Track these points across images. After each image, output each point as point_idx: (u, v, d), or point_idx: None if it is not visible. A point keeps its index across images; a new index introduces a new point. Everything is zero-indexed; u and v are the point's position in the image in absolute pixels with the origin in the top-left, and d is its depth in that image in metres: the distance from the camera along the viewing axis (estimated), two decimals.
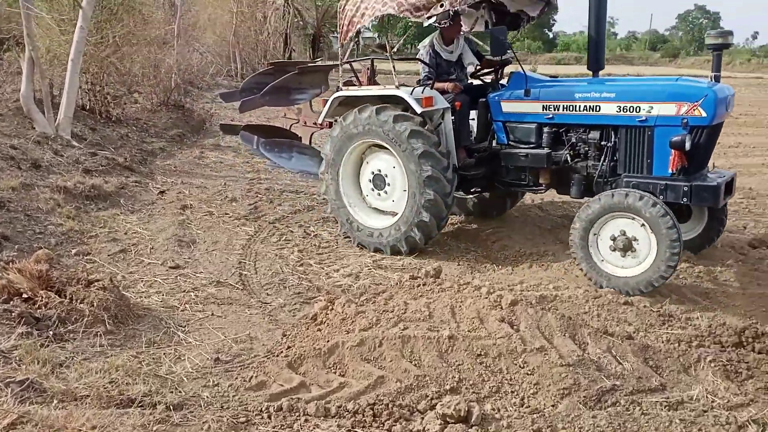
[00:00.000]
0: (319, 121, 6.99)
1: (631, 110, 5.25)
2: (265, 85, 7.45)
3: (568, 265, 5.79)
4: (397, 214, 6.16)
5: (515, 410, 3.52)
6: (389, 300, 4.88)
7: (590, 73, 6.09)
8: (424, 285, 5.21)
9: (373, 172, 6.28)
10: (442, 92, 6.27)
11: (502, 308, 4.42)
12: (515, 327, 4.24)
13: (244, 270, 5.78)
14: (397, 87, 5.99)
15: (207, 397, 3.61)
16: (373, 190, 6.33)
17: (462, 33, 6.71)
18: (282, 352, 4.17)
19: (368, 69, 6.76)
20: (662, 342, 4.22)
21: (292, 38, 24.49)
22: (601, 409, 3.51)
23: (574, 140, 5.70)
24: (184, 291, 5.20)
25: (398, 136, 5.80)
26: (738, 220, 7.26)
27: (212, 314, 4.82)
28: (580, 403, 3.56)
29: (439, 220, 6.00)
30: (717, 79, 5.13)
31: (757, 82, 30.56)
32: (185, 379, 3.83)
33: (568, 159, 5.70)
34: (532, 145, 5.89)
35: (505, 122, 6.06)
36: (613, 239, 4.90)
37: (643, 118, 5.20)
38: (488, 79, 6.73)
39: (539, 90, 5.80)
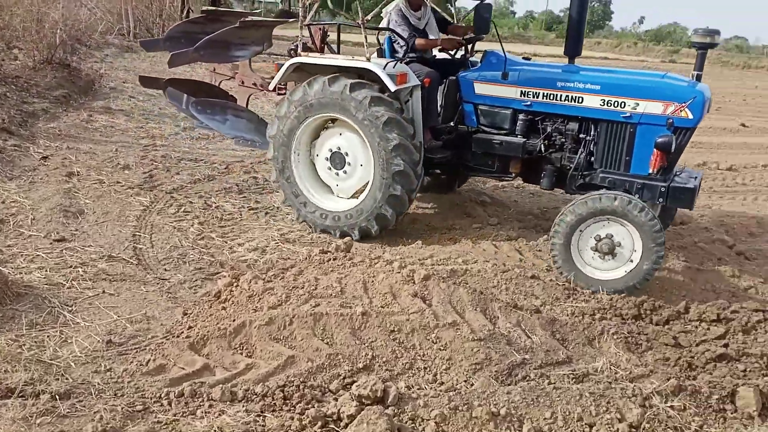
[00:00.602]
0: (271, 87, 6.26)
1: (616, 105, 5.07)
2: (193, 35, 6.67)
3: (476, 239, 5.82)
4: (358, 194, 5.79)
5: (430, 388, 3.47)
6: (299, 275, 4.70)
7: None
8: (334, 260, 5.07)
9: (331, 150, 5.77)
10: (422, 61, 5.98)
11: (414, 283, 4.35)
12: (428, 302, 4.19)
13: (139, 243, 5.37)
14: (368, 59, 5.44)
15: (98, 383, 3.30)
16: (331, 169, 5.82)
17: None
18: (183, 332, 3.90)
19: (320, 34, 6.24)
20: (567, 315, 4.32)
21: None
22: (512, 384, 3.53)
23: (550, 130, 5.44)
24: (71, 266, 4.76)
25: (358, 105, 5.32)
26: None
27: (103, 292, 4.43)
28: (492, 377, 3.57)
29: (411, 192, 5.58)
30: (699, 78, 5.02)
31: (642, 64, 32.36)
32: (73, 364, 3.49)
33: (542, 149, 5.47)
34: (504, 132, 5.59)
35: (477, 104, 5.70)
36: (597, 241, 4.71)
37: (628, 114, 5.04)
38: (453, 54, 6.30)
39: (518, 74, 5.46)
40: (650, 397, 3.24)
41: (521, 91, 5.44)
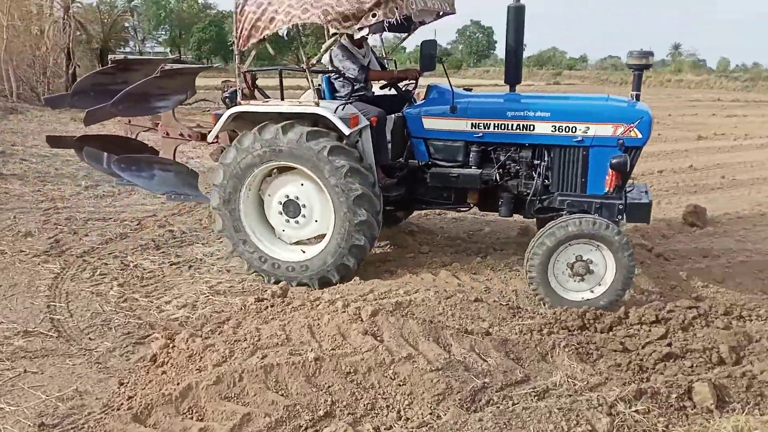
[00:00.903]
0: (210, 138, 5.83)
1: (568, 130, 5.16)
2: (103, 87, 6.26)
3: (412, 268, 5.80)
4: (312, 243, 5.63)
5: (399, 426, 3.34)
6: (237, 328, 4.47)
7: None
8: (272, 306, 4.88)
9: (287, 196, 5.47)
10: (364, 99, 5.88)
11: (362, 320, 4.24)
12: (379, 338, 4.08)
13: (56, 314, 4.94)
14: (316, 103, 5.25)
15: None
16: (286, 219, 5.55)
17: (366, 37, 5.99)
18: (122, 404, 3.57)
19: (251, 80, 5.98)
20: (516, 333, 4.34)
21: (75, 53, 22.24)
22: (478, 410, 3.47)
23: (503, 159, 5.45)
24: None
25: (317, 155, 5.11)
26: None
27: (25, 371, 4.01)
28: (456, 406, 3.49)
29: (372, 240, 5.42)
30: (638, 97, 5.20)
31: (530, 88, 34.15)
32: None
33: (497, 178, 5.45)
34: (458, 164, 5.56)
35: (427, 139, 5.63)
36: (572, 264, 4.79)
37: (580, 138, 5.15)
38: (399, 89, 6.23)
39: (467, 106, 5.45)
40: (615, 404, 3.27)
41: (472, 123, 5.42)
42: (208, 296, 5.36)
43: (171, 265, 6.10)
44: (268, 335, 4.21)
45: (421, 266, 5.83)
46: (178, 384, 3.63)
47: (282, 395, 3.55)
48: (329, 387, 3.64)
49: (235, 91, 5.61)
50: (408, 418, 3.46)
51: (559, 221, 4.76)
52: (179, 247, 6.66)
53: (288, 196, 5.48)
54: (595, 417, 3.18)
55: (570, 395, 3.58)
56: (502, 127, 5.33)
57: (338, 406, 3.51)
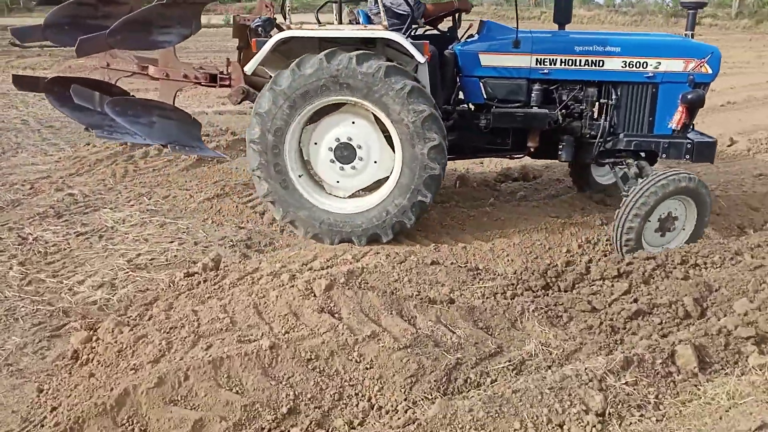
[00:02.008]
0: (249, 70, 4.77)
1: (638, 65, 4.96)
2: (82, 20, 5.25)
3: None
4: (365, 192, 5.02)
5: (376, 419, 3.00)
6: (170, 311, 3.94)
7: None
8: (205, 282, 4.37)
9: (338, 140, 4.77)
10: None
11: (316, 296, 3.82)
12: (337, 315, 3.69)
13: None
14: (385, 28, 4.56)
15: None
16: (334, 162, 4.83)
17: None
18: (46, 417, 3.01)
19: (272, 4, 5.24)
20: (480, 298, 4.07)
21: None
22: (455, 393, 3.20)
23: (566, 98, 5.09)
24: None
25: (397, 95, 4.45)
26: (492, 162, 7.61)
27: None
28: (432, 389, 3.20)
29: (433, 198, 4.88)
30: (692, 37, 5.08)
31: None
32: None
33: (560, 119, 5.09)
34: (517, 104, 5.11)
35: (484, 78, 5.10)
36: (661, 220, 4.73)
37: (650, 74, 4.96)
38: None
39: (531, 41, 5.01)
40: (604, 377, 3.08)
41: (537, 58, 5.04)
42: (127, 272, 4.71)
43: (78, 236, 5.35)
44: (209, 319, 3.71)
45: None
46: (111, 389, 3.09)
47: (237, 393, 3.10)
48: (289, 378, 3.23)
49: (268, 18, 4.94)
50: (381, 407, 3.13)
51: (655, 179, 4.57)
52: (84, 214, 5.85)
53: (339, 139, 4.78)
54: (587, 395, 2.97)
55: (549, 366, 3.38)
56: (570, 63, 5.02)
57: (302, 400, 3.12)
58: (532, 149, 5.35)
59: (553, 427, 2.83)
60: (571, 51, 5.03)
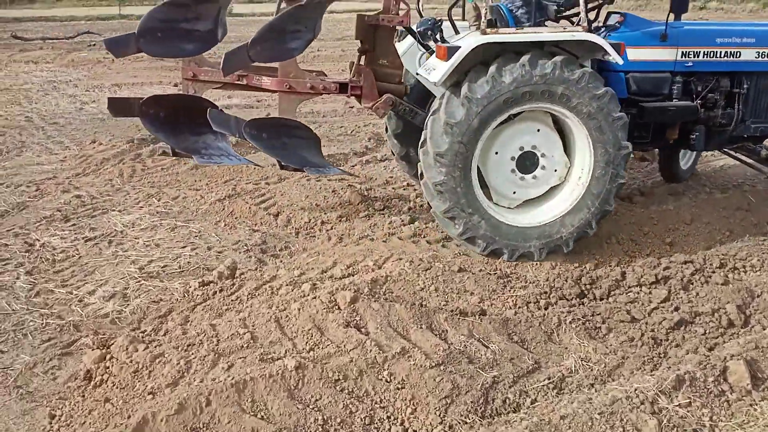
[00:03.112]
0: (439, 80, 4.26)
1: None
2: (175, 24, 4.58)
3: (370, 228, 5.18)
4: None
5: None
6: (186, 325, 3.75)
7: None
8: (221, 291, 4.19)
9: (522, 149, 4.53)
10: None
11: (340, 309, 3.63)
12: (364, 330, 3.50)
13: None
14: (585, 28, 4.39)
15: None
16: (515, 173, 4.59)
17: None
18: None
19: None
20: (512, 308, 3.87)
21: None
22: (494, 415, 3.01)
23: (702, 89, 5.07)
24: None
25: (599, 102, 4.27)
26: None
27: None
28: (469, 411, 3.01)
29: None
30: None
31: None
32: None
33: (698, 110, 5.07)
34: (660, 98, 5.00)
35: (628, 72, 4.92)
36: None
37: None
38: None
39: (678, 33, 4.95)
40: (656, 399, 2.88)
41: (682, 51, 4.98)
42: (139, 281, 4.51)
43: (86, 241, 5.14)
44: (228, 335, 3.52)
45: (380, 228, 5.21)
46: (128, 417, 2.91)
47: (263, 419, 2.91)
48: (317, 401, 3.03)
49: (436, 21, 4.56)
50: (415, 431, 2.94)
51: None
52: (92, 217, 5.64)
53: (523, 148, 4.54)
54: (640, 419, 2.78)
55: (592, 384, 3.19)
56: (711, 55, 5.04)
57: (332, 425, 2.94)
58: (670, 141, 5.29)
59: None
60: (713, 43, 5.05)
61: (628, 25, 5.06)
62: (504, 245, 4.48)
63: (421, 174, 4.50)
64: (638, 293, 4.00)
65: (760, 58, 5.12)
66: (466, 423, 2.95)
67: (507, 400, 3.09)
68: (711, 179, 6.68)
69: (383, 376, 3.19)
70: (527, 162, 4.56)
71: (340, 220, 5.38)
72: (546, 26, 4.96)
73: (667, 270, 4.17)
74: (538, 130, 4.53)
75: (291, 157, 4.89)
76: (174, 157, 5.47)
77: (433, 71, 4.24)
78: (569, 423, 2.74)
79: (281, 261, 4.70)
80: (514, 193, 4.67)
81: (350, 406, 3.03)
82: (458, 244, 4.75)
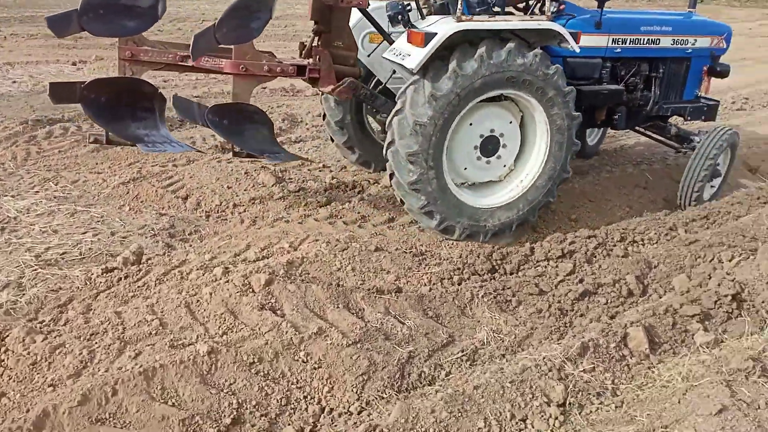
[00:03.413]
0: (415, 67, 4.17)
1: (683, 43, 5.59)
2: (118, 2, 4.19)
3: (285, 210, 5.09)
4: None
5: (325, 423, 2.80)
6: (88, 313, 3.56)
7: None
8: (126, 278, 3.99)
9: (482, 135, 4.57)
10: None
11: (254, 292, 3.55)
12: (279, 312, 3.45)
13: None
14: (549, 18, 4.47)
15: None
16: (480, 159, 4.64)
17: None
18: None
19: None
20: (427, 284, 3.93)
21: None
22: (409, 389, 3.05)
23: (625, 73, 5.50)
24: None
25: (550, 81, 4.40)
26: None
27: None
28: (385, 387, 3.03)
29: None
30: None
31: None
32: None
33: (624, 93, 5.47)
34: (590, 82, 5.26)
35: (566, 57, 5.01)
36: (712, 169, 5.43)
37: (689, 49, 5.63)
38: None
39: (609, 21, 5.18)
40: (563, 366, 3.00)
41: (612, 38, 5.29)
42: (35, 269, 4.22)
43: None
44: (135, 322, 3.38)
45: (295, 209, 5.13)
46: (27, 411, 2.73)
47: (174, 406, 2.81)
48: (231, 385, 2.96)
49: (405, 4, 4.52)
50: (332, 410, 2.94)
51: (716, 134, 5.42)
52: None
53: (489, 132, 4.62)
54: (548, 386, 2.88)
55: (503, 355, 3.29)
56: (636, 42, 5.43)
57: (247, 408, 2.88)
58: (597, 122, 5.64)
59: (517, 423, 2.73)
60: (638, 31, 5.42)
61: (568, 12, 5.23)
62: (479, 228, 4.57)
63: (387, 145, 4.44)
64: (546, 267, 4.14)
65: (674, 45, 5.61)
66: (383, 398, 2.97)
67: (422, 374, 3.14)
68: (612, 158, 7.01)
69: (300, 357, 3.16)
70: (490, 146, 4.66)
71: (253, 203, 5.26)
72: (502, 13, 4.97)
73: (573, 245, 4.35)
74: (511, 122, 4.69)
75: (250, 144, 4.65)
76: (108, 145, 5.02)
77: (408, 57, 4.19)
78: (482, 392, 2.81)
79: (191, 245, 4.54)
80: (466, 169, 4.71)
81: (266, 388, 2.98)
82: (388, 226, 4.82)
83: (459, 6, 4.19)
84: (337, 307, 3.49)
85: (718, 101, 6.13)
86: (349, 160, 5.90)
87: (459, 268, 4.08)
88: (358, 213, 5.05)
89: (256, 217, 4.99)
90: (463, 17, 4.21)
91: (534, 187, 4.69)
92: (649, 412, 2.77)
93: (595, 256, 4.29)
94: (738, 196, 5.39)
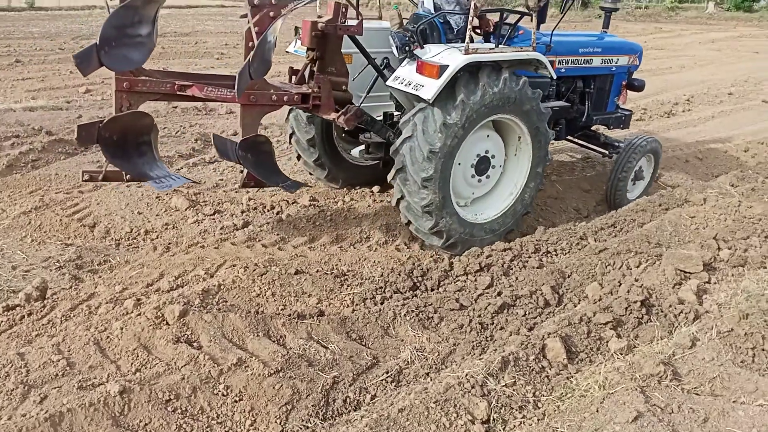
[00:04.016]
0: (431, 97, 4.29)
1: (609, 62, 6.26)
2: (129, 31, 3.91)
3: (200, 235, 4.93)
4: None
5: None
6: None
7: None
8: (29, 315, 3.76)
9: (479, 155, 4.93)
10: None
11: (168, 324, 3.40)
12: (196, 344, 3.32)
13: None
14: (534, 48, 4.86)
15: None
16: (474, 177, 5.00)
17: None
18: None
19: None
20: (348, 306, 3.90)
21: None
22: (336, 415, 3.00)
23: (565, 90, 6.08)
24: None
25: (533, 104, 4.85)
26: None
27: None
28: (311, 416, 2.97)
29: None
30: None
31: None
32: None
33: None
34: (543, 100, 5.34)
35: (527, 78, 5.09)
36: (635, 173, 6.14)
37: (613, 67, 6.33)
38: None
39: (556, 45, 5.54)
40: (485, 382, 3.03)
41: (559, 59, 5.74)
42: None
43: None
44: (40, 363, 3.16)
45: (211, 234, 4.99)
46: None
47: None
48: (146, 425, 2.82)
49: (410, 36, 4.81)
50: None
51: (638, 141, 6.06)
52: None
53: (483, 153, 4.97)
54: (471, 403, 2.90)
55: (428, 373, 3.30)
56: (576, 62, 6.01)
57: None
58: None
59: None
60: (577, 52, 6.00)
61: (525, 37, 5.51)
62: (474, 241, 4.88)
63: (396, 172, 4.63)
64: (465, 282, 4.20)
65: (603, 64, 6.31)
66: (308, 428, 2.91)
67: (347, 399, 3.10)
68: None
69: (219, 390, 3.04)
70: (483, 166, 5.01)
71: (166, 228, 5.07)
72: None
73: (489, 258, 4.43)
74: (488, 136, 4.97)
75: (269, 175, 4.55)
76: (103, 182, 4.68)
77: (422, 87, 4.39)
78: (407, 415, 2.80)
79: (100, 277, 4.31)
80: (473, 193, 5.12)
81: (184, 426, 2.85)
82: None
83: (467, 40, 4.44)
84: (257, 336, 3.40)
85: (631, 111, 6.87)
86: (316, 176, 5.99)
87: (381, 287, 4.07)
88: (278, 235, 4.96)
89: (169, 244, 4.81)
90: (471, 50, 4.46)
91: (519, 200, 5.14)
92: (570, 423, 2.84)
93: (512, 269, 4.39)
94: (641, 203, 5.66)
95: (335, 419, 2.98)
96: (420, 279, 4.20)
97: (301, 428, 2.91)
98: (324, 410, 3.02)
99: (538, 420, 2.94)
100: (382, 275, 4.21)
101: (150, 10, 4.00)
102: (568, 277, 4.32)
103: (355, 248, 4.85)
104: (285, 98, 4.50)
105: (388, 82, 4.72)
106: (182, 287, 3.99)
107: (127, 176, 4.40)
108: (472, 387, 2.99)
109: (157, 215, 5.23)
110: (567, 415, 2.93)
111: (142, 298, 3.80)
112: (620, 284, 4.17)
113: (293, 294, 3.95)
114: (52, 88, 9.79)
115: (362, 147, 5.37)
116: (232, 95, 4.14)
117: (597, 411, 2.85)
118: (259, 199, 5.66)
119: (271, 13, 4.17)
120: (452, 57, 4.42)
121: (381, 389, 3.19)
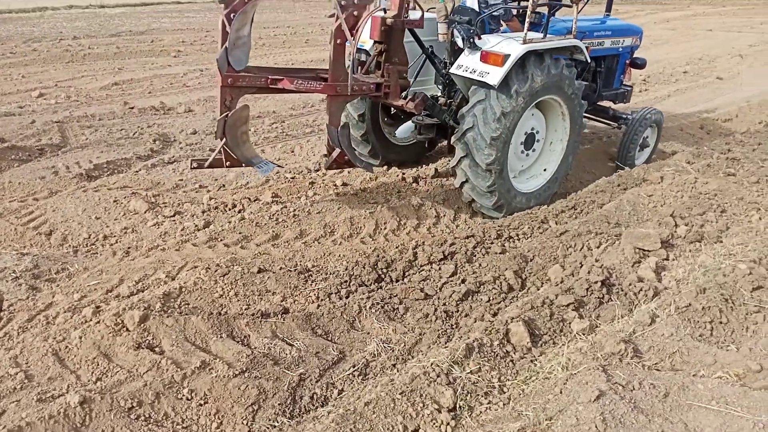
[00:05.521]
0: (497, 82, 4.80)
1: (618, 43, 6.76)
2: (242, 33, 4.41)
3: (161, 237, 4.85)
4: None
5: None
6: None
7: None
8: None
9: (526, 133, 5.47)
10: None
11: (129, 330, 3.34)
12: (158, 349, 3.27)
13: None
14: (573, 36, 5.45)
15: None
16: (523, 152, 5.57)
17: None
18: None
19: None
20: (313, 302, 3.87)
21: None
22: (303, 413, 2.98)
23: (580, 70, 6.25)
24: None
25: (572, 84, 5.37)
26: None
27: None
28: (278, 414, 2.95)
29: None
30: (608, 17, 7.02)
31: None
32: None
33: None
34: None
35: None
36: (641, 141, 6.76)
37: (620, 48, 6.83)
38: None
39: (579, 29, 5.77)
40: (450, 370, 3.05)
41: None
42: None
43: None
44: None
45: (172, 235, 4.91)
46: None
47: None
48: None
49: (472, 27, 5.11)
50: None
51: (644, 113, 6.69)
52: None
53: (529, 131, 5.48)
54: (437, 392, 2.92)
55: (394, 364, 3.30)
56: (593, 45, 6.42)
57: None
58: None
59: None
60: (593, 36, 6.46)
61: (551, 24, 5.83)
62: (529, 206, 5.49)
63: (460, 159, 5.15)
64: (429, 271, 4.21)
65: (612, 45, 6.81)
66: (275, 427, 2.89)
67: (315, 396, 3.08)
68: None
69: (183, 395, 3.01)
70: (530, 141, 5.55)
71: (125, 232, 4.97)
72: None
73: (453, 246, 4.45)
74: (532, 114, 5.44)
75: (355, 157, 5.00)
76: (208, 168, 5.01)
77: (488, 74, 4.86)
78: (373, 408, 2.80)
79: (58, 285, 4.20)
80: (522, 166, 5.67)
81: None
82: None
83: (526, 29, 4.88)
84: (221, 337, 3.36)
85: (632, 86, 7.36)
86: (360, 151, 6.26)
87: (346, 281, 4.06)
88: (240, 233, 4.90)
89: (129, 248, 4.72)
90: (528, 39, 4.91)
91: (563, 165, 5.73)
92: (534, 405, 2.87)
93: (475, 255, 4.42)
94: (601, 184, 5.74)
95: (302, 416, 2.96)
96: (384, 270, 4.20)
97: (268, 428, 2.90)
98: (291, 408, 3.00)
99: (504, 404, 2.97)
100: (346, 269, 4.19)
101: (252, 14, 4.46)
102: (531, 260, 4.36)
103: (319, 243, 4.82)
104: (364, 88, 4.95)
105: (451, 70, 5.16)
106: (143, 292, 3.92)
107: (227, 163, 4.89)
108: (438, 376, 3.01)
109: (115, 219, 5.13)
110: (532, 397, 2.96)
111: (101, 305, 3.73)
112: (581, 265, 4.23)
113: (257, 293, 3.91)
114: (3, 94, 9.49)
115: (404, 127, 6.10)
116: (322, 87, 4.72)
117: (560, 392, 2.89)
118: (220, 198, 5.59)
119: (355, 12, 4.52)
120: (512, 46, 4.88)
121: (348, 383, 3.19)
